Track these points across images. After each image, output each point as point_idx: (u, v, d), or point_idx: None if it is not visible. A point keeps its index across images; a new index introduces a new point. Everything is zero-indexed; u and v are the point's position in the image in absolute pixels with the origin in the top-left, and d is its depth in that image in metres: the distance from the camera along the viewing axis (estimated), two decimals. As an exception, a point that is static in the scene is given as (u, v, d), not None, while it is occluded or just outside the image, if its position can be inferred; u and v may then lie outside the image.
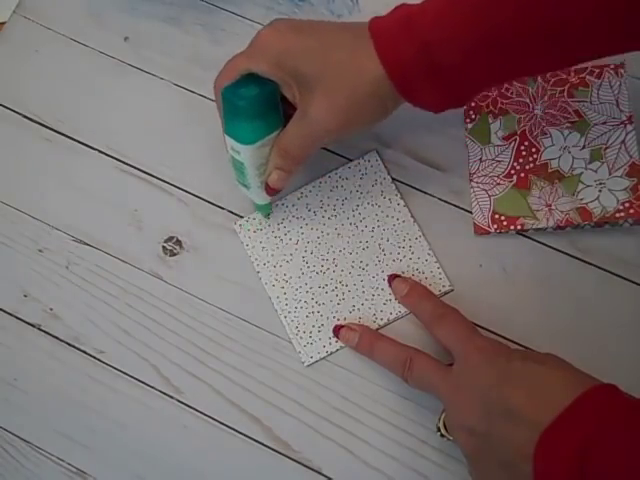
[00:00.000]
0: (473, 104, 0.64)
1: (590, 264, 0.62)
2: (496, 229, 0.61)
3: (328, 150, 0.65)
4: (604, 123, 0.62)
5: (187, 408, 0.61)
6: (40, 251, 0.65)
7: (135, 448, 0.60)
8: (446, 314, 0.58)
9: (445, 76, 0.52)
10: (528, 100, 0.63)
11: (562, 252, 0.62)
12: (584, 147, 0.62)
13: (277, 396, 0.60)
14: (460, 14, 0.51)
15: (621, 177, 0.61)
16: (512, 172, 0.62)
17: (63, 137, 0.67)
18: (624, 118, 0.62)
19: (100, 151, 0.67)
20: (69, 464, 0.60)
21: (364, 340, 0.60)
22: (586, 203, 0.61)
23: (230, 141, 0.57)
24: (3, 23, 0.70)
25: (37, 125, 0.67)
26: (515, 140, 0.63)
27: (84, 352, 0.62)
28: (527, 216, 0.61)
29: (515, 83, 0.64)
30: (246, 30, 0.69)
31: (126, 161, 0.66)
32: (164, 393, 0.61)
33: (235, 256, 0.63)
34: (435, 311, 0.58)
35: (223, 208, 0.65)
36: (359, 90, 0.54)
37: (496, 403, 0.50)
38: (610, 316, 0.60)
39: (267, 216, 0.63)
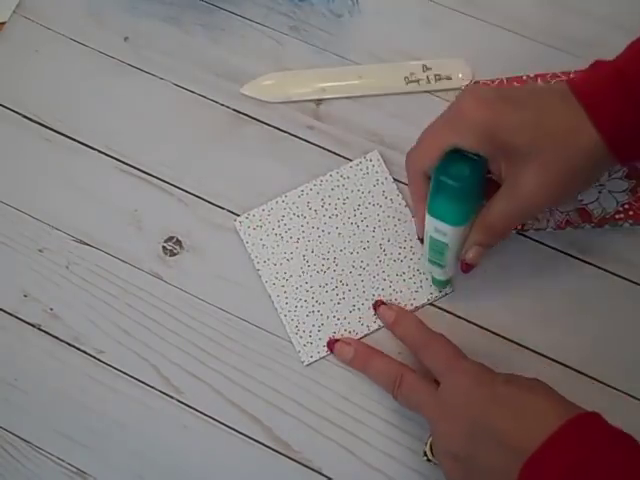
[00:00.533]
0: None
1: (590, 264, 0.62)
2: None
3: (328, 150, 0.65)
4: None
5: (187, 408, 0.61)
6: (40, 251, 0.65)
7: (135, 448, 0.60)
8: (431, 339, 0.57)
9: None
10: None
11: (562, 252, 0.62)
12: None
13: (277, 396, 0.60)
14: None
15: (620, 179, 0.61)
16: None
17: (63, 137, 0.67)
18: None
19: (100, 151, 0.67)
20: (69, 464, 0.60)
21: (358, 356, 0.60)
22: (586, 204, 0.61)
23: (435, 222, 0.53)
24: (3, 23, 0.70)
25: (37, 125, 0.67)
26: None
27: (84, 352, 0.62)
28: None
29: (515, 83, 0.64)
30: (246, 30, 0.69)
31: (126, 161, 0.66)
32: (164, 393, 0.61)
33: (235, 256, 0.63)
34: (421, 337, 0.58)
35: (223, 208, 0.65)
36: (574, 162, 0.51)
37: (481, 428, 0.50)
38: (610, 316, 0.61)
39: (441, 290, 0.61)
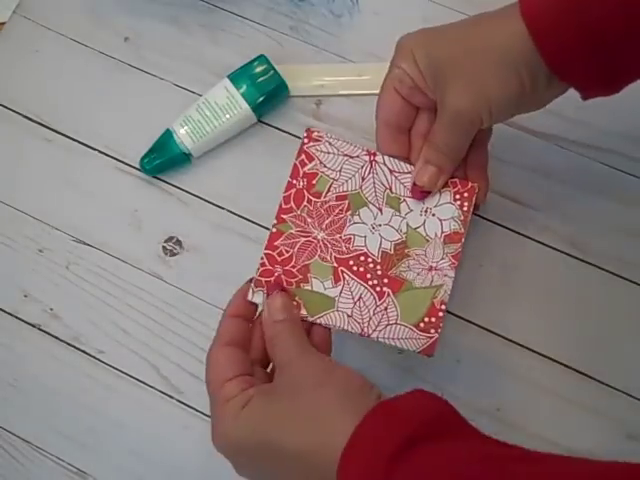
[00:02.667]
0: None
1: (590, 264, 0.62)
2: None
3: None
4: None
5: (187, 408, 0.61)
6: (40, 251, 0.65)
7: (135, 448, 0.60)
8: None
9: (604, 40, 0.45)
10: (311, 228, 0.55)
11: (562, 252, 0.62)
12: None
13: (277, 396, 0.60)
14: None
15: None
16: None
17: (63, 137, 0.67)
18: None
19: (100, 151, 0.67)
20: (69, 464, 0.60)
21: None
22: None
23: None
24: (3, 23, 0.70)
25: (37, 125, 0.67)
26: None
27: (84, 352, 0.62)
28: None
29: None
30: (246, 30, 0.69)
31: (126, 161, 0.66)
32: (164, 393, 0.61)
33: (235, 256, 0.63)
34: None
35: (223, 208, 0.65)
36: (487, 56, 0.48)
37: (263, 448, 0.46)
38: (611, 316, 0.61)
39: None
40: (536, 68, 0.47)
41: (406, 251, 0.54)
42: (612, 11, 0.44)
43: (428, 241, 0.54)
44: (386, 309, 0.53)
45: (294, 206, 0.55)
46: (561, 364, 0.60)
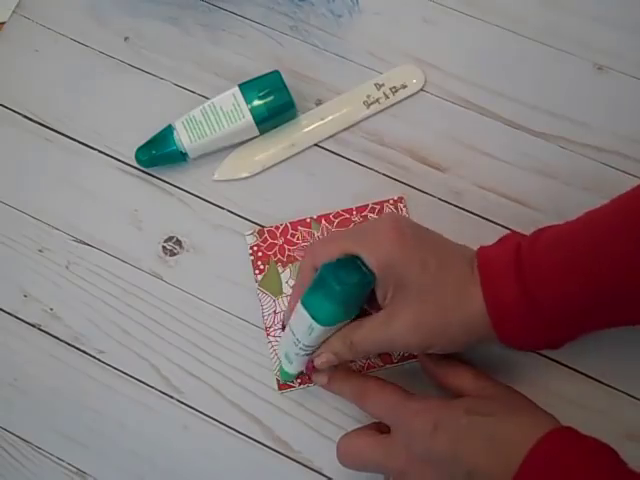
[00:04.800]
0: (260, 254, 0.62)
1: (590, 264, 0.61)
2: (300, 383, 0.60)
3: (326, 149, 0.65)
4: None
5: (187, 408, 0.61)
6: (40, 251, 0.65)
7: (135, 448, 0.60)
8: (367, 388, 0.55)
9: (546, 319, 0.50)
10: None
11: (562, 252, 0.62)
12: None
13: (277, 396, 0.60)
14: (571, 274, 0.49)
15: None
16: None
17: (63, 137, 0.67)
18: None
19: (100, 151, 0.67)
20: (69, 464, 0.60)
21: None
22: None
23: (304, 315, 0.53)
24: (3, 23, 0.70)
25: (37, 125, 0.67)
26: None
27: (84, 352, 0.62)
28: None
29: (300, 227, 0.63)
30: (246, 30, 0.69)
31: (126, 161, 0.66)
32: (164, 393, 0.61)
33: (235, 256, 0.63)
34: (355, 389, 0.56)
35: (223, 208, 0.65)
36: (450, 314, 0.51)
37: (453, 469, 0.48)
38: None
39: (287, 381, 0.60)
40: (487, 335, 0.52)
41: None
42: (558, 304, 0.50)
43: None
44: None
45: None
46: (561, 364, 0.60)
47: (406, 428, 0.51)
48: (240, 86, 0.64)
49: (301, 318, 0.54)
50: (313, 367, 0.56)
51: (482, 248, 0.54)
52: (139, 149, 0.64)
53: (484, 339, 0.53)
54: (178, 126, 0.63)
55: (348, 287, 0.52)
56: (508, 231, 0.62)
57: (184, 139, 0.63)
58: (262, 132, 0.65)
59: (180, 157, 0.64)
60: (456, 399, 0.52)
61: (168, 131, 0.64)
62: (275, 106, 0.63)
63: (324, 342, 0.55)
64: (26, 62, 0.69)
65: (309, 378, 0.59)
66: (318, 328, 0.53)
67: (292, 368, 0.57)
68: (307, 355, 0.56)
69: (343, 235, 0.56)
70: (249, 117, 0.63)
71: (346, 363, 0.60)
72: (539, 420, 0.49)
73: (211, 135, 0.63)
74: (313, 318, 0.53)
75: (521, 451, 0.46)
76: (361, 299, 0.54)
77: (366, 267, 0.53)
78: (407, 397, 0.54)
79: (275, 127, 0.65)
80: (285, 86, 0.63)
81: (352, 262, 0.53)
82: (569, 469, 0.45)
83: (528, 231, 0.63)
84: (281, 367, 0.59)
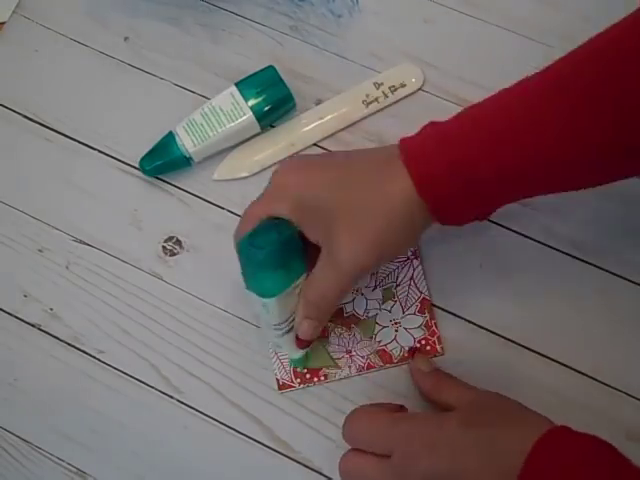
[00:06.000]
0: None
1: (590, 264, 0.62)
2: (300, 383, 0.60)
3: (326, 149, 0.65)
4: (391, 261, 0.61)
5: (187, 408, 0.61)
6: (40, 251, 0.65)
7: (135, 448, 0.60)
8: (357, 411, 0.54)
9: (479, 192, 0.49)
10: None
11: (562, 252, 0.62)
12: (375, 287, 0.61)
13: (277, 396, 0.60)
14: (503, 143, 0.48)
15: (414, 314, 0.60)
16: None
17: (63, 137, 0.67)
18: (409, 254, 0.61)
19: (100, 151, 0.67)
20: (69, 464, 0.60)
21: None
22: (385, 345, 0.60)
23: (254, 297, 0.53)
24: (3, 23, 0.70)
25: (37, 125, 0.67)
26: None
27: (84, 352, 0.62)
28: (329, 366, 0.60)
29: None
30: (246, 30, 0.69)
31: (126, 161, 0.66)
32: (164, 393, 0.61)
33: (235, 256, 0.63)
34: (349, 416, 0.54)
35: (223, 208, 0.65)
36: (390, 217, 0.49)
37: None
38: (611, 316, 0.60)
39: (303, 369, 0.60)
40: (426, 221, 0.51)
41: None
42: (484, 169, 0.48)
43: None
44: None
45: None
46: (561, 364, 0.60)
47: (402, 452, 0.50)
48: (237, 84, 0.64)
49: (254, 302, 0.53)
50: (300, 341, 0.56)
51: (402, 138, 0.52)
52: (143, 158, 0.64)
53: (424, 221, 0.51)
54: (179, 131, 0.63)
55: (269, 249, 0.51)
56: (506, 230, 0.62)
57: (187, 143, 0.63)
58: (263, 128, 0.65)
59: (185, 162, 0.64)
60: (446, 413, 0.51)
61: (170, 137, 0.64)
62: (274, 100, 0.64)
63: (296, 312, 0.54)
64: (26, 62, 0.69)
65: (309, 378, 0.60)
66: (271, 302, 0.52)
67: (290, 352, 0.57)
68: (287, 332, 0.55)
69: (252, 204, 0.54)
70: (249, 114, 0.63)
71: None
72: (532, 423, 0.48)
73: (213, 136, 0.63)
74: (260, 296, 0.52)
75: (520, 457, 0.45)
76: (294, 253, 0.52)
77: (282, 220, 0.51)
78: (394, 420, 0.51)
79: (275, 121, 0.65)
80: (281, 79, 0.64)
81: (267, 225, 0.52)
82: (570, 468, 0.45)
83: (528, 232, 0.63)
84: (289, 358, 0.59)
